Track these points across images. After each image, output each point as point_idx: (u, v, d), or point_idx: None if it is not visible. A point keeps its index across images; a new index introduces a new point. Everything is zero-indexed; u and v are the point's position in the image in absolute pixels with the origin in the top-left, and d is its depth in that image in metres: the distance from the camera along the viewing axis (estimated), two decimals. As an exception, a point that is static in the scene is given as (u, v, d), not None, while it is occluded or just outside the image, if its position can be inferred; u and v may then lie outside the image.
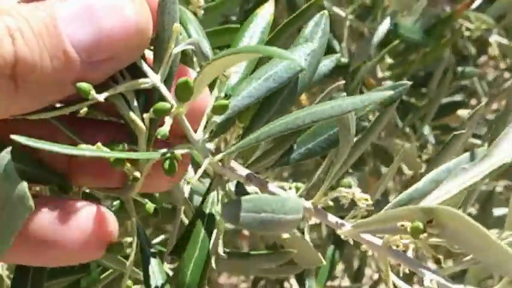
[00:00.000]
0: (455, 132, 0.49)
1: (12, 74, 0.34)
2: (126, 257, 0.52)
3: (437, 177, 0.40)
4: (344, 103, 0.38)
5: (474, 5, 1.06)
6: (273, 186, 0.44)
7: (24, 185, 0.30)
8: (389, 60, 1.01)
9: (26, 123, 0.37)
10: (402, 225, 0.34)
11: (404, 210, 0.34)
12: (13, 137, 0.32)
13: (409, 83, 0.45)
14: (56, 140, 0.37)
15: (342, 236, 0.41)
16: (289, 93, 0.45)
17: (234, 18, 0.80)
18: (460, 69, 1.09)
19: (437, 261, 0.36)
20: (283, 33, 0.48)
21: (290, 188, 0.57)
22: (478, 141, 1.10)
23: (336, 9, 0.95)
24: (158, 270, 0.44)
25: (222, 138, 0.46)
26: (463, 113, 1.20)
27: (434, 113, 1.03)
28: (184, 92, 0.38)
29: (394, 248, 0.37)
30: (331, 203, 0.47)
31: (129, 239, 0.57)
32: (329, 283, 1.19)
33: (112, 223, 0.39)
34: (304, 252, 0.54)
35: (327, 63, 0.47)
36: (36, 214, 0.37)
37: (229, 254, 0.55)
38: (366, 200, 0.40)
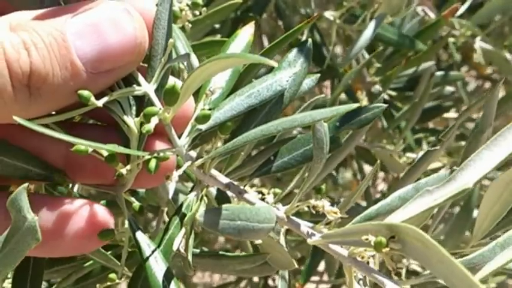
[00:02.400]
0: (429, 149, 0.51)
1: (27, 83, 0.37)
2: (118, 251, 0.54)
3: (405, 195, 0.42)
4: (314, 113, 0.42)
5: (458, 12, 1.07)
6: (249, 195, 0.46)
7: (35, 218, 0.33)
8: (376, 65, 1.03)
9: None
10: (366, 239, 0.37)
11: (369, 225, 0.36)
12: (15, 118, 0.36)
13: (385, 105, 0.47)
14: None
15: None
16: (272, 110, 0.47)
17: (217, 26, 0.81)
18: (443, 73, 1.10)
19: (398, 274, 0.38)
20: (271, 52, 0.50)
21: (268, 193, 0.59)
22: (463, 143, 1.12)
23: (325, 13, 0.97)
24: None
25: (205, 148, 0.48)
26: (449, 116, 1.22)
27: (419, 116, 1.05)
28: (171, 96, 0.41)
29: (360, 259, 0.40)
30: (306, 209, 0.49)
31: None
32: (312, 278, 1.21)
33: (107, 214, 0.43)
34: (278, 255, 0.56)
35: (308, 82, 0.49)
36: (38, 210, 0.41)
37: (204, 253, 0.57)
38: (335, 213, 0.42)
